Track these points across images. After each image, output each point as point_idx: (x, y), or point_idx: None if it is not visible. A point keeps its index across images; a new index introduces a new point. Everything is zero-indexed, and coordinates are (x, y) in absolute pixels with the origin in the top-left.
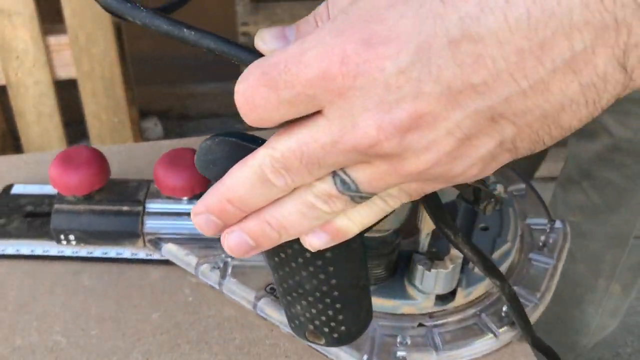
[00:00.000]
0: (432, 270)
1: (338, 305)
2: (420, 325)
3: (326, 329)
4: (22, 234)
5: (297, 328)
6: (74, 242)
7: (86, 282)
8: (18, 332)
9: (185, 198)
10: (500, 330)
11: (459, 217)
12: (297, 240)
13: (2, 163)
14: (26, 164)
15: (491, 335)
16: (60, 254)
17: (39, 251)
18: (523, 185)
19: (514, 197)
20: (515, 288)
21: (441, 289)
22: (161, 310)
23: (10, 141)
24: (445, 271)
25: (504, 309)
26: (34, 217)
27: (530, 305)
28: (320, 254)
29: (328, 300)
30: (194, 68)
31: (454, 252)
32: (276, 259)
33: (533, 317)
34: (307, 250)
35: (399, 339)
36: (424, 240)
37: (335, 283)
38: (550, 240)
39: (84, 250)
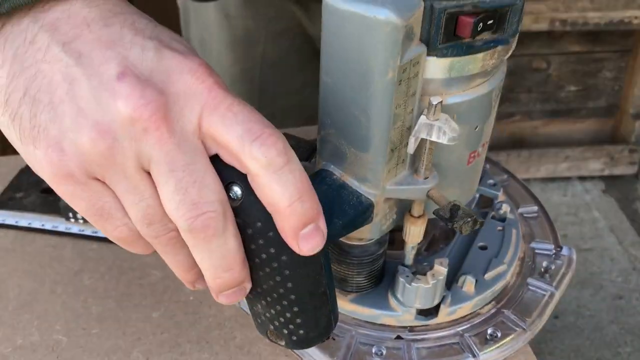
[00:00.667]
0: (413, 284)
1: (295, 309)
2: (399, 337)
3: (285, 331)
4: (36, 209)
5: (259, 326)
6: (81, 221)
7: (87, 282)
8: (19, 332)
9: None
10: (482, 352)
11: (457, 234)
12: (256, 240)
13: (3, 163)
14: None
15: (471, 357)
16: (67, 231)
17: (48, 226)
18: (535, 208)
19: (523, 219)
20: (505, 312)
21: (421, 304)
22: (162, 309)
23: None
24: (426, 286)
25: (489, 331)
26: (49, 194)
27: (517, 331)
28: (276, 256)
29: (285, 303)
30: None
31: (437, 268)
32: (247, 249)
33: (519, 344)
34: (264, 251)
35: (374, 349)
36: (409, 253)
37: (291, 287)
38: (553, 267)
39: (89, 230)
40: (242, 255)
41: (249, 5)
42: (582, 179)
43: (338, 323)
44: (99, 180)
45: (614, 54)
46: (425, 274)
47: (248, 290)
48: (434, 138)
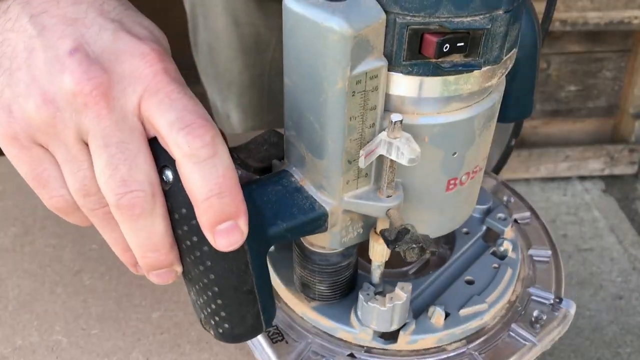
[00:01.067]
0: (370, 303)
1: (219, 302)
2: (352, 355)
3: (212, 322)
4: None
5: (196, 312)
6: None
7: (87, 282)
8: (19, 332)
9: None
10: None
11: (448, 263)
12: (181, 226)
13: (2, 163)
14: None
15: None
16: None
17: None
18: (548, 253)
19: (531, 261)
20: (474, 354)
21: (377, 326)
22: (162, 309)
23: None
24: (382, 308)
25: None
26: None
27: None
28: (198, 246)
29: (210, 294)
30: (194, 68)
31: (397, 292)
32: (175, 234)
33: None
34: (188, 238)
35: None
36: (374, 271)
37: (214, 279)
38: (545, 317)
39: None
40: (169, 238)
41: (258, 11)
42: (582, 178)
43: (299, 327)
44: (42, 147)
45: (614, 54)
46: (384, 295)
47: (179, 274)
48: (393, 157)
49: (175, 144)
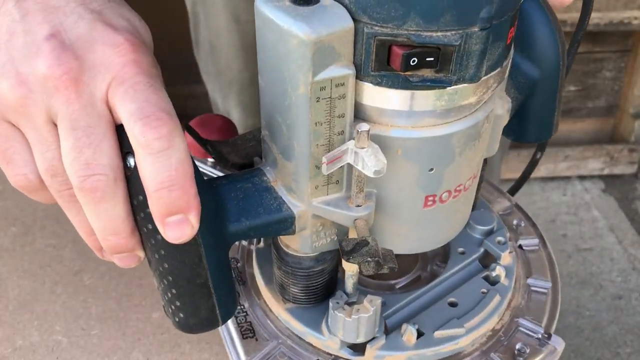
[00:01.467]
0: (336, 312)
1: (174, 291)
2: None
3: (170, 310)
4: None
5: (160, 297)
6: None
7: (87, 282)
8: (19, 332)
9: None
10: None
11: (436, 281)
12: (139, 213)
13: None
14: None
15: None
16: None
17: None
18: (549, 285)
19: (528, 291)
20: None
21: (344, 336)
22: (162, 309)
23: None
24: (347, 319)
25: None
26: None
27: None
28: (153, 233)
29: (166, 282)
30: (194, 68)
31: (365, 305)
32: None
33: None
34: (145, 225)
35: None
36: (347, 279)
37: (167, 268)
38: (528, 350)
39: None
40: (130, 224)
41: None
42: (581, 178)
43: (273, 326)
44: (13, 125)
45: (613, 54)
46: (353, 305)
47: (141, 259)
48: (359, 167)
49: (132, 134)
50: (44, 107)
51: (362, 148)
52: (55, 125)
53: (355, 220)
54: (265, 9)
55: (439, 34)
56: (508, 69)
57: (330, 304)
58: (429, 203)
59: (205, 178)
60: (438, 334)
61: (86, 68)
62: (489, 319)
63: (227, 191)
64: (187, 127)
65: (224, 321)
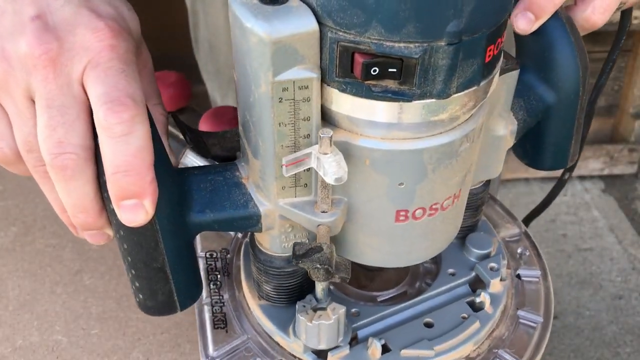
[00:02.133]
0: (299, 315)
1: (133, 272)
2: None
3: (132, 289)
4: None
5: None
6: None
7: (87, 282)
8: (19, 332)
9: None
10: None
11: (418, 299)
12: (104, 192)
13: None
14: None
15: None
16: None
17: None
18: (539, 319)
19: (516, 323)
20: None
21: (306, 340)
22: None
23: None
24: (308, 324)
25: None
26: None
27: None
28: (114, 213)
29: (126, 262)
30: (194, 68)
31: (328, 312)
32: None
33: None
34: (108, 204)
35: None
36: (317, 285)
37: (127, 249)
38: None
39: None
40: (99, 203)
41: None
42: (581, 178)
43: (247, 320)
44: None
45: None
46: (317, 311)
47: (111, 237)
48: (320, 173)
49: (96, 116)
50: (23, 84)
51: (325, 154)
52: (34, 102)
53: (318, 225)
54: (234, 6)
55: (402, 45)
56: (491, 89)
57: (297, 307)
58: (401, 218)
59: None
60: (405, 352)
61: (65, 49)
62: (462, 345)
63: (197, 182)
64: (172, 116)
65: (183, 308)
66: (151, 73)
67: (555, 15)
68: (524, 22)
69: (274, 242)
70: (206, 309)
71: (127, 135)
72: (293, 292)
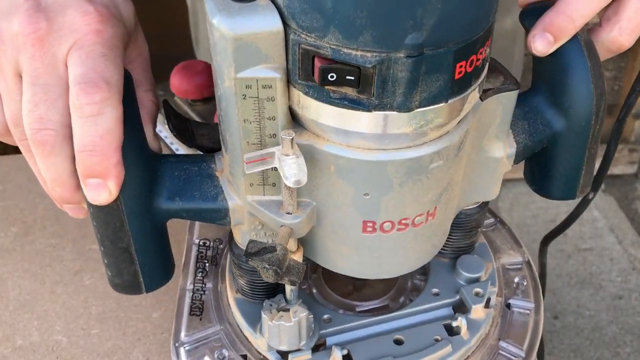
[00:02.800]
0: (262, 312)
1: (102, 248)
2: (245, 357)
3: (104, 265)
4: None
5: None
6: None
7: (87, 282)
8: (19, 332)
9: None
10: None
11: (394, 315)
12: None
13: (2, 163)
14: (27, 164)
15: None
16: None
17: None
18: (521, 353)
19: (494, 353)
20: None
21: (269, 339)
22: (162, 309)
23: None
24: (269, 322)
25: None
26: None
27: None
28: None
29: (97, 239)
30: None
31: (290, 314)
32: None
33: None
34: None
35: (218, 352)
36: (287, 286)
37: (96, 225)
38: None
39: None
40: (76, 179)
41: None
42: None
43: (224, 311)
44: None
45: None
46: (280, 311)
47: (88, 213)
48: (281, 174)
49: (70, 96)
50: (13, 61)
51: (287, 155)
52: (21, 78)
53: (281, 226)
54: (205, 0)
55: (359, 53)
56: (466, 108)
57: (264, 304)
58: (369, 229)
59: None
60: None
61: (54, 30)
62: None
63: (171, 169)
64: (163, 103)
65: (149, 290)
66: (146, 61)
67: (574, 36)
68: (541, 44)
69: (244, 237)
70: (187, 295)
71: (96, 116)
72: (265, 289)
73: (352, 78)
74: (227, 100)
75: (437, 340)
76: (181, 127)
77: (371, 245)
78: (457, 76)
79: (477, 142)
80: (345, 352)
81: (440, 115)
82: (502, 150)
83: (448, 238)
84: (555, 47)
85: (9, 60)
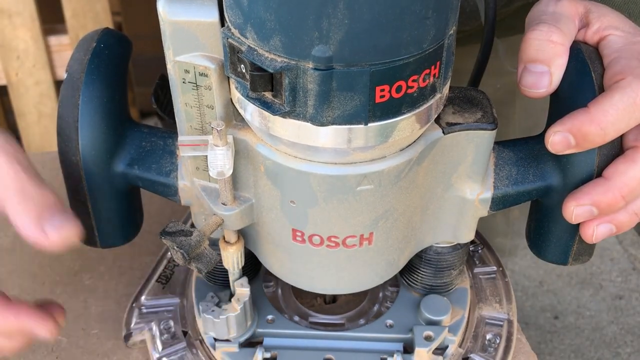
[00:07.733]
0: (201, 301)
1: (69, 197)
2: (185, 334)
3: None
4: None
5: None
6: None
7: (87, 282)
8: None
9: None
10: None
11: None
12: None
13: None
14: None
15: None
16: None
17: None
18: None
19: None
20: None
21: (202, 324)
22: None
23: None
24: (205, 314)
25: None
26: None
27: None
28: None
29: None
30: None
31: (227, 307)
32: None
33: None
34: None
35: (170, 322)
36: (231, 282)
37: (64, 174)
38: None
39: None
40: None
41: None
42: None
43: (189, 290)
44: None
45: None
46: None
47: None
48: (208, 163)
49: None
50: None
51: (216, 145)
52: None
53: (213, 214)
54: None
55: (271, 56)
56: (401, 135)
57: (208, 295)
58: (298, 238)
59: None
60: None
61: None
62: None
63: (139, 138)
64: (154, 94)
65: (103, 246)
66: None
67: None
68: (561, 145)
69: (196, 219)
70: (163, 263)
71: None
72: (220, 277)
73: (267, 82)
74: (172, 81)
75: None
76: (165, 99)
77: (302, 256)
78: (378, 100)
79: (444, 178)
80: (268, 355)
81: (359, 137)
82: (474, 192)
83: (417, 273)
84: (571, 152)
85: None
